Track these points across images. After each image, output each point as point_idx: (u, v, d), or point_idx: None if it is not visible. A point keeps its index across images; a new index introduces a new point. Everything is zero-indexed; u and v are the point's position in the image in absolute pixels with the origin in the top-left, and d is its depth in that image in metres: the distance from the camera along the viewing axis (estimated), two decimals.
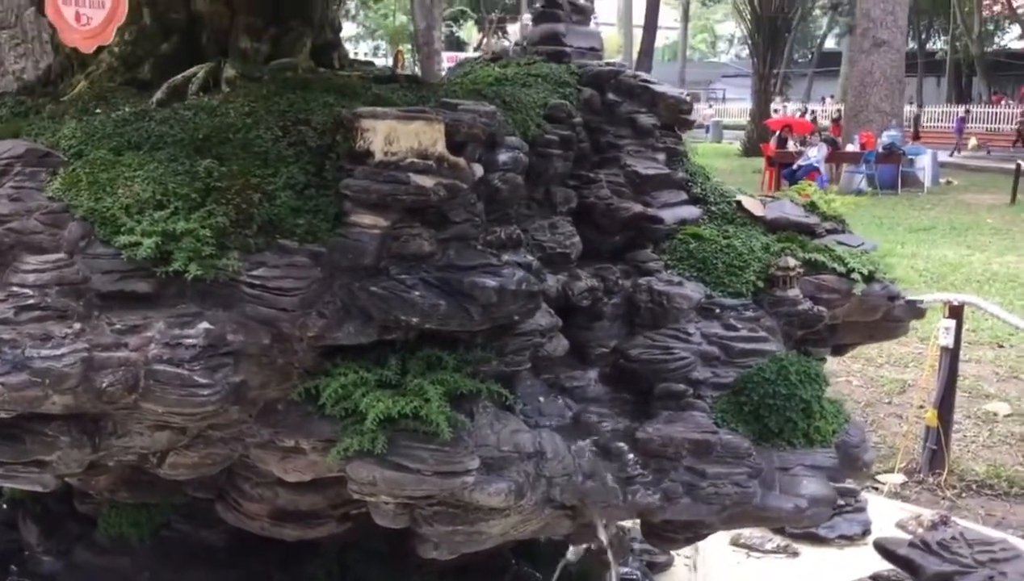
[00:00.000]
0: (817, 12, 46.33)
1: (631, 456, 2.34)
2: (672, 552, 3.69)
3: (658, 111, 2.96)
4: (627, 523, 3.07)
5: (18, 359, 1.94)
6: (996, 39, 47.15)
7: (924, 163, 21.48)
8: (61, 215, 2.14)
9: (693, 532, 2.53)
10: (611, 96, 2.92)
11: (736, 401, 2.48)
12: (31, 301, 2.04)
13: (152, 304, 2.09)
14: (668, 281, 2.65)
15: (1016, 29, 43.66)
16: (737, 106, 48.48)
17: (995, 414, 6.59)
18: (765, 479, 2.40)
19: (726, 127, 39.77)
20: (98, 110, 2.49)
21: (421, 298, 2.07)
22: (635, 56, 33.25)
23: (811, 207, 3.15)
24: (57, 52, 3.02)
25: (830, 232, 3.04)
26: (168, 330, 2.03)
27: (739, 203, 3.04)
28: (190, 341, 2.01)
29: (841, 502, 3.86)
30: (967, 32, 40.27)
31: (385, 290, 2.08)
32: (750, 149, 28.12)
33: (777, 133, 21.97)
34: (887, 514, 4.48)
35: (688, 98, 3.13)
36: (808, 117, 28.77)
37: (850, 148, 21.36)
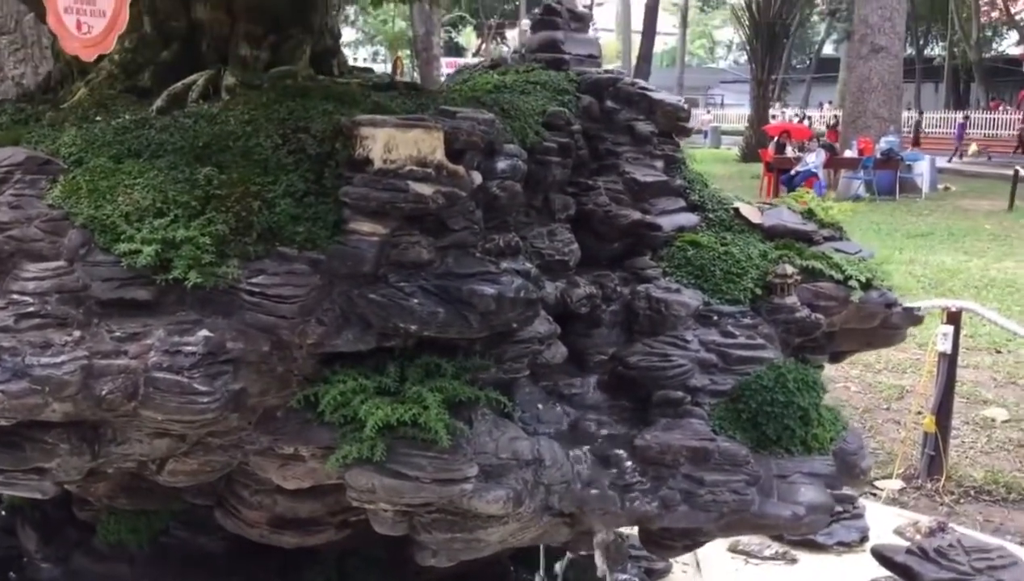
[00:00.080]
0: (815, 18, 46.41)
1: (629, 463, 2.34)
2: (670, 559, 3.69)
3: (656, 118, 2.98)
4: (625, 529, 3.07)
5: (18, 367, 1.95)
6: (994, 45, 47.27)
7: (922, 169, 21.48)
8: (61, 223, 2.15)
9: (691, 539, 2.53)
10: (609, 103, 2.93)
11: (734, 408, 2.48)
12: (31, 309, 2.05)
13: (152, 312, 2.10)
14: (666, 288, 2.66)
15: (1014, 35, 43.66)
16: (735, 112, 48.52)
17: (993, 420, 6.58)
18: (763, 486, 2.40)
19: (724, 132, 39.83)
20: (98, 118, 2.50)
21: (420, 305, 2.07)
22: (634, 62, 33.32)
23: (809, 214, 3.16)
24: (57, 59, 3.02)
25: (827, 239, 3.05)
26: (168, 338, 2.04)
27: (737, 210, 3.04)
28: (190, 348, 2.02)
29: (839, 508, 3.87)
30: (965, 38, 40.29)
31: (384, 297, 2.09)
32: (748, 155, 28.10)
33: (775, 139, 21.97)
34: (885, 520, 4.48)
35: (686, 105, 3.14)
36: (806, 123, 28.77)
37: (848, 154, 21.39)
